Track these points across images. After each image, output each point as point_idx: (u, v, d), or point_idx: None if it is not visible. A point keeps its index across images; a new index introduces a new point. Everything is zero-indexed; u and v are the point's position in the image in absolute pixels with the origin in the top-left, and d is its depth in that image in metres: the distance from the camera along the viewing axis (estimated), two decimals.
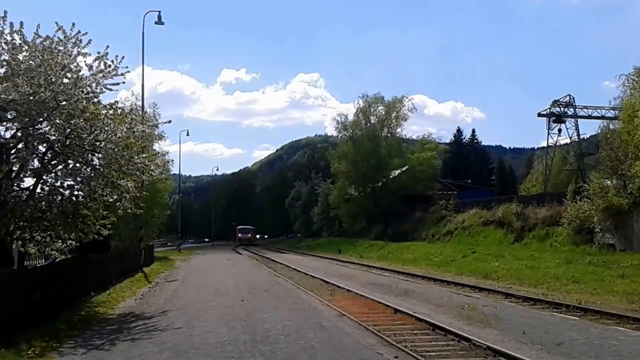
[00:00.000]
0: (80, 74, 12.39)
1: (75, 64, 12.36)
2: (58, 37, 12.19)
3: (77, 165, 12.96)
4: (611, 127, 32.89)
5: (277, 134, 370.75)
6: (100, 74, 12.70)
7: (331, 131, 64.00)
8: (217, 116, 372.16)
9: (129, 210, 14.78)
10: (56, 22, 12.27)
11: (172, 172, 47.45)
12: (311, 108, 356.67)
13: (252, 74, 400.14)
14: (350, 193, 57.69)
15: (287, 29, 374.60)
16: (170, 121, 44.43)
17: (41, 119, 11.97)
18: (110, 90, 13.11)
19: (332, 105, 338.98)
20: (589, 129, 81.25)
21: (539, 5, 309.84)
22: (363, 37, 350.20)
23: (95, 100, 12.70)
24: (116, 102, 13.57)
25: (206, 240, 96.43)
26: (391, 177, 52.88)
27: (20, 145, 12.09)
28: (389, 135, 52.95)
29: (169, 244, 68.80)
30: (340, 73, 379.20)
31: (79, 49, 12.43)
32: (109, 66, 12.85)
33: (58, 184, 12.85)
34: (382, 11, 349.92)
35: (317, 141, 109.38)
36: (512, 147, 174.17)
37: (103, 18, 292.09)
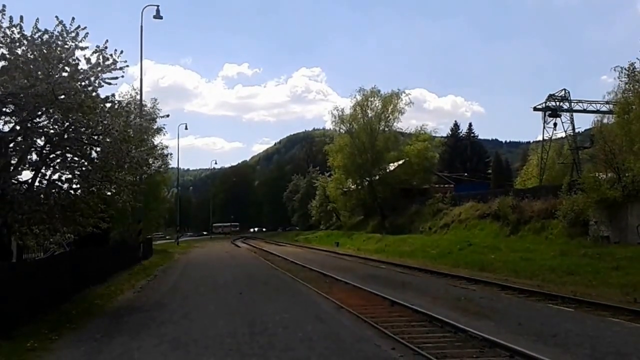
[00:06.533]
0: (79, 67, 12.35)
1: (74, 57, 12.32)
2: (57, 32, 12.14)
3: (75, 158, 12.97)
4: (605, 121, 33.01)
5: (277, 128, 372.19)
6: (99, 68, 12.66)
7: (330, 125, 63.82)
8: (218, 110, 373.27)
9: (128, 204, 14.79)
10: (56, 17, 12.23)
11: (170, 166, 47.41)
12: (312, 102, 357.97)
13: (255, 69, 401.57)
14: (348, 186, 57.82)
15: (290, 23, 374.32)
16: (168, 115, 44.57)
17: (39, 113, 11.97)
18: (109, 84, 13.06)
19: (333, 99, 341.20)
20: (585, 123, 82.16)
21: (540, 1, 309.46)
22: (365, 32, 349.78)
23: (94, 94, 12.66)
24: (113, 95, 13.53)
25: (204, 233, 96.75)
26: (388, 170, 52.98)
27: (18, 139, 12.09)
28: (386, 129, 52.95)
29: (167, 237, 68.88)
30: (342, 68, 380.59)
31: (77, 43, 12.39)
32: (107, 59, 12.79)
33: (56, 177, 12.86)
34: (383, 6, 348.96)
35: (316, 135, 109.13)
36: (508, 140, 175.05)
37: (105, 14, 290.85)
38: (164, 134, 37.91)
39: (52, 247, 16.02)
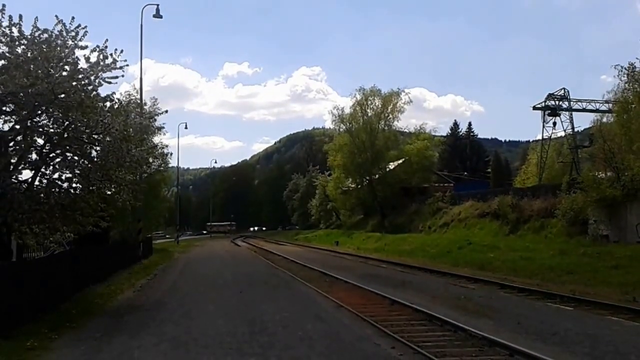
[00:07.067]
0: (79, 66, 12.35)
1: (73, 56, 12.32)
2: (57, 31, 12.14)
3: (75, 157, 12.97)
4: (604, 120, 33.00)
5: (277, 127, 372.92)
6: (99, 67, 12.66)
7: (330, 124, 63.85)
8: (218, 109, 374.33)
9: (128, 203, 14.78)
10: (56, 16, 12.23)
11: (170, 165, 47.42)
12: (312, 101, 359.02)
13: (255, 68, 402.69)
14: (348, 185, 57.85)
15: (290, 23, 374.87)
16: (167, 111, 44.49)
17: (39, 112, 11.97)
18: (109, 83, 13.06)
19: (333, 99, 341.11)
20: (584, 122, 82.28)
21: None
22: (365, 32, 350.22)
23: (94, 93, 12.66)
24: (113, 93, 13.54)
25: (204, 232, 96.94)
26: (388, 169, 53.00)
27: (18, 138, 12.09)
28: (385, 128, 52.97)
29: (167, 236, 68.91)
30: (342, 67, 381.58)
31: (76, 42, 12.38)
32: (106, 57, 12.79)
33: (56, 176, 12.86)
34: (383, 6, 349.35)
35: (316, 134, 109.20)
36: (507, 140, 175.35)
37: (105, 14, 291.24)
38: (164, 133, 37.89)
39: (52, 246, 16.00)
